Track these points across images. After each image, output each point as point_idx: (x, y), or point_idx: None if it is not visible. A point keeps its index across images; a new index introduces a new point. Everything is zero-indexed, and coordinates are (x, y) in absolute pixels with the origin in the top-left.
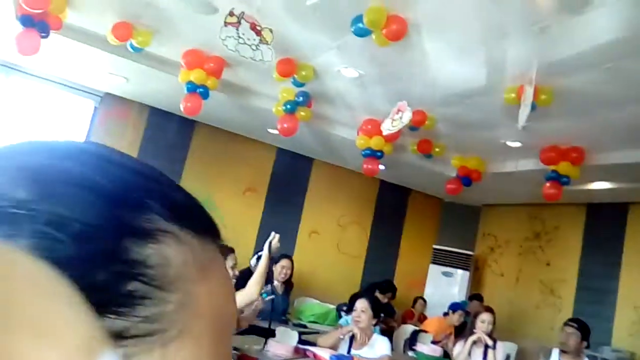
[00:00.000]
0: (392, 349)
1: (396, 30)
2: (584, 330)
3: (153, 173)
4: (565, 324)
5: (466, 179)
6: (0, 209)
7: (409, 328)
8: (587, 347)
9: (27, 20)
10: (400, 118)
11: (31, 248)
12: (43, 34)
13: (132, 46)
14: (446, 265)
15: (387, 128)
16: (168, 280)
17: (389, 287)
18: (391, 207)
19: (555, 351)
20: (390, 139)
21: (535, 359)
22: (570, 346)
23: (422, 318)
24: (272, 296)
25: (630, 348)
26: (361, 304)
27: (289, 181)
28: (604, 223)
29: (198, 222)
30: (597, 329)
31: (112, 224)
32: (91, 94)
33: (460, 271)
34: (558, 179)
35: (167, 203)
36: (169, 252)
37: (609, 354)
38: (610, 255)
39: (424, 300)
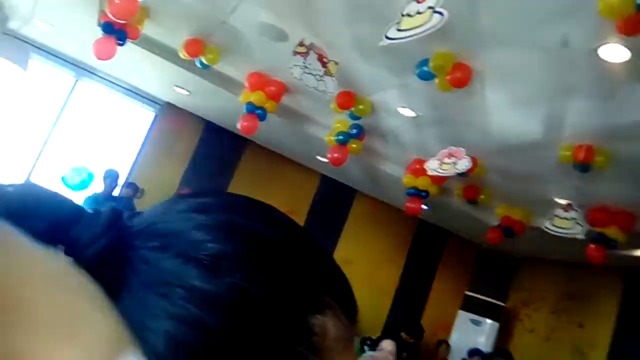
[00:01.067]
0: None
1: (461, 77)
2: None
3: (326, 251)
4: None
5: (508, 229)
6: (205, 259)
7: None
8: None
9: (108, 28)
10: (454, 164)
11: (219, 295)
12: (120, 42)
13: (200, 62)
14: (476, 313)
15: (433, 169)
16: (322, 349)
17: (416, 329)
18: (427, 247)
19: None
20: (437, 180)
21: None
22: None
23: None
24: None
25: None
26: (388, 346)
27: (330, 209)
28: None
29: (350, 304)
30: None
31: (299, 291)
32: (153, 102)
33: (489, 321)
34: (604, 242)
35: (334, 282)
36: (329, 325)
37: None
38: None
39: (448, 345)
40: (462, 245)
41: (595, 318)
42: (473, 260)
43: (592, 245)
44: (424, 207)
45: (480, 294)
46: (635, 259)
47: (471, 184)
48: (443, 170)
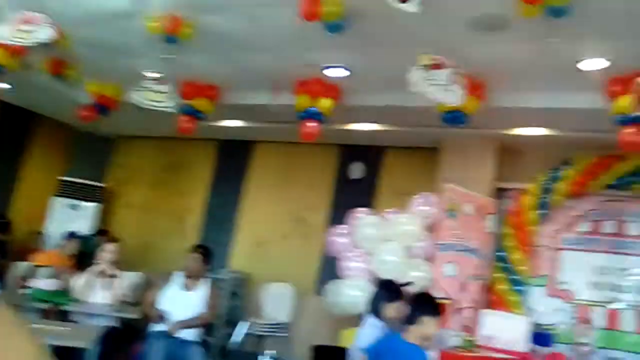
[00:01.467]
0: (3, 288)
1: None
2: (207, 255)
3: None
4: (190, 249)
5: (102, 107)
6: None
7: (24, 265)
8: (209, 270)
9: None
10: (32, 32)
11: None
12: None
13: None
14: (74, 198)
15: (5, 37)
16: None
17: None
18: (12, 133)
19: (178, 275)
20: (15, 52)
21: (159, 285)
22: (193, 270)
23: (40, 253)
24: None
25: (246, 269)
26: None
27: None
28: (232, 158)
29: None
30: (218, 253)
31: None
32: None
33: (89, 204)
34: (193, 113)
35: None
36: None
37: (227, 274)
38: (235, 188)
39: (42, 234)
40: (55, 128)
41: (191, 186)
42: (69, 143)
43: (182, 118)
44: (3, 85)
45: (78, 178)
46: (224, 129)
47: (57, 58)
48: (19, 39)
